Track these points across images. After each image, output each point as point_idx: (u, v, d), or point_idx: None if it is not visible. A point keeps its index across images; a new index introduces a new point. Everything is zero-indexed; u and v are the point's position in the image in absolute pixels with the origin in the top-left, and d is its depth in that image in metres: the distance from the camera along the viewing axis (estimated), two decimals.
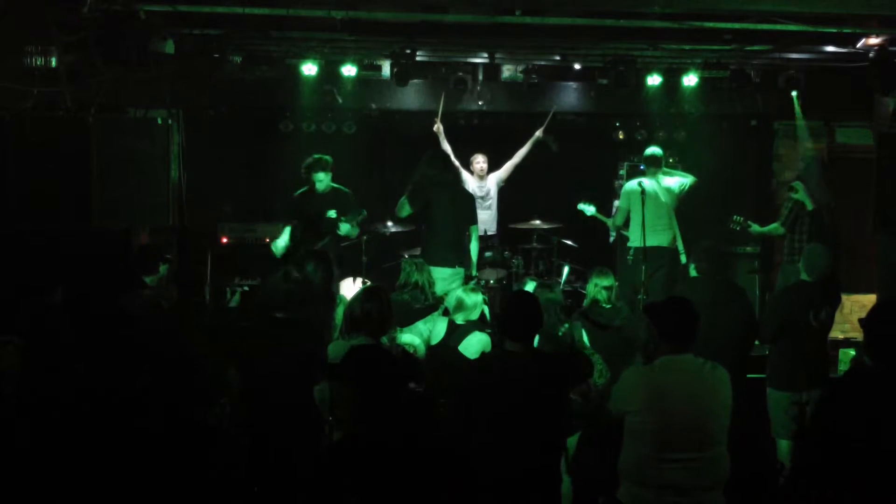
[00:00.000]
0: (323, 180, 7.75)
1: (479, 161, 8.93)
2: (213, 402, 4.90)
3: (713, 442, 3.92)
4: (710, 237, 6.62)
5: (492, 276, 8.44)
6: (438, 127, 8.70)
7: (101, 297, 5.82)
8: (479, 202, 8.92)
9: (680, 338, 4.00)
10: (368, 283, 7.90)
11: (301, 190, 7.80)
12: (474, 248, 7.79)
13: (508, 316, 4.11)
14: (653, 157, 8.22)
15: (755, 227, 7.95)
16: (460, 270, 7.44)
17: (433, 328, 6.02)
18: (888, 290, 7.67)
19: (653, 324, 4.15)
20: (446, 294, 6.66)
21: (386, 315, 4.69)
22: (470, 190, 8.91)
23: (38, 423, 3.86)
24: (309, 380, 4.54)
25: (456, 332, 5.85)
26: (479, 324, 6.00)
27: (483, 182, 8.94)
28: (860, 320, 3.88)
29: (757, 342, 6.08)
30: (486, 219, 8.88)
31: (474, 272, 7.90)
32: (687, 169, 9.58)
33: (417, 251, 7.90)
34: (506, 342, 4.08)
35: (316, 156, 7.72)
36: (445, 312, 6.25)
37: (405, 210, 7.54)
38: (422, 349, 5.83)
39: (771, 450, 5.81)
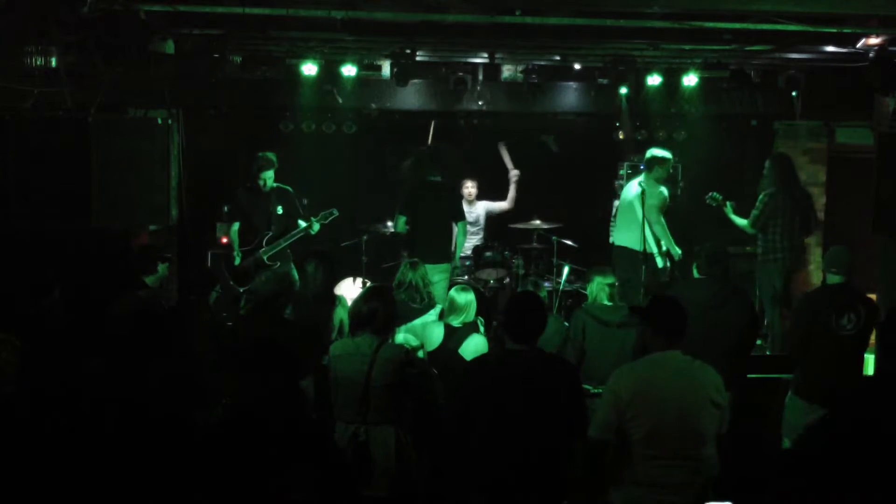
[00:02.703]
0: (271, 178, 7.94)
1: (468, 186, 9.08)
2: (214, 403, 4.89)
3: (701, 441, 3.92)
4: (711, 238, 6.61)
5: (492, 276, 8.44)
6: None
7: (100, 297, 5.82)
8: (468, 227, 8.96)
9: (670, 334, 4.00)
10: (368, 283, 7.93)
11: (246, 187, 7.98)
12: (461, 241, 7.92)
13: (511, 316, 4.10)
14: (650, 159, 8.20)
15: (729, 209, 8.01)
16: (447, 266, 7.56)
17: (429, 333, 5.99)
18: (888, 291, 7.66)
19: (643, 321, 4.15)
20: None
21: (391, 314, 4.73)
22: None
23: (36, 423, 3.85)
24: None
25: (454, 336, 5.84)
26: (477, 326, 6.00)
27: (472, 207, 9.02)
28: (878, 324, 3.87)
29: (759, 342, 6.05)
30: (469, 247, 8.88)
31: (456, 262, 8.01)
32: (687, 169, 9.60)
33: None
34: (507, 342, 4.07)
35: (263, 154, 7.90)
36: (441, 316, 6.23)
37: (402, 225, 7.74)
38: (417, 345, 5.82)
39: (771, 450, 5.80)
